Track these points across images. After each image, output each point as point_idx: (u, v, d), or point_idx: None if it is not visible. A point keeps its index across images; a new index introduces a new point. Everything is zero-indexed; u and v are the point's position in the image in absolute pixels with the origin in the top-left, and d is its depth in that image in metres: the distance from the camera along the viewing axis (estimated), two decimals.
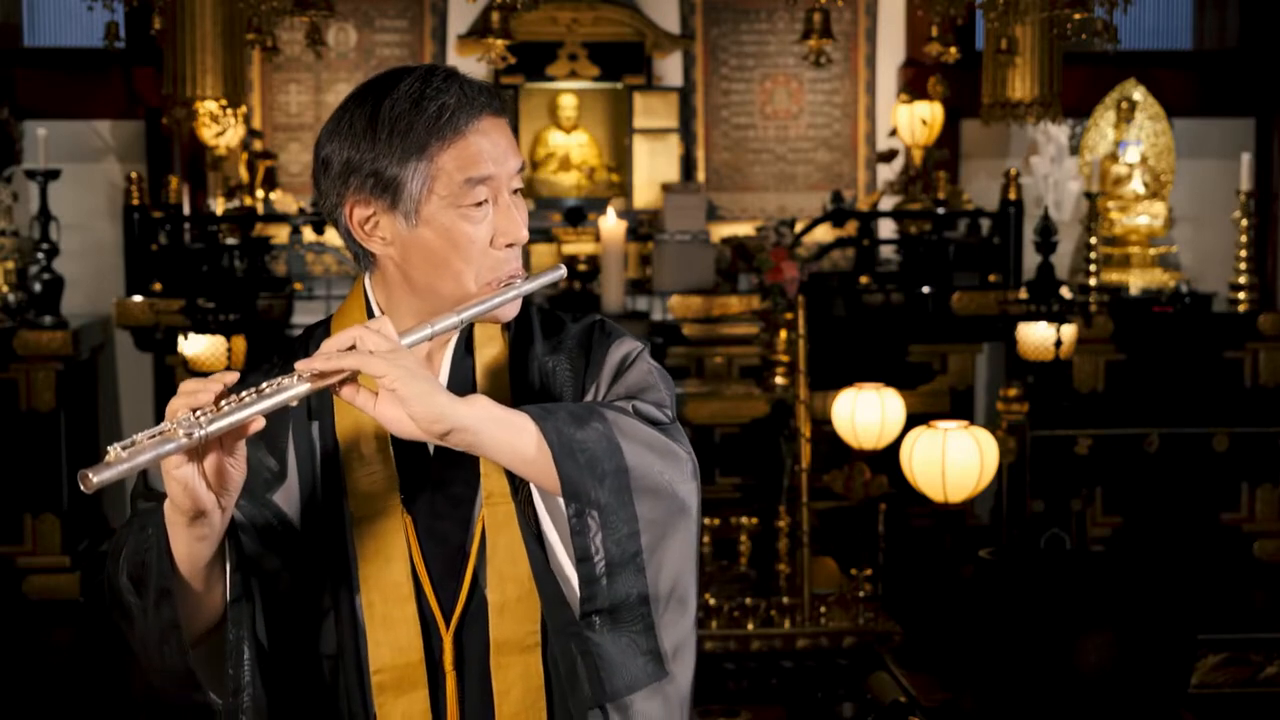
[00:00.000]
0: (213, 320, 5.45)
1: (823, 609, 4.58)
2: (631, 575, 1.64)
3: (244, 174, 6.87)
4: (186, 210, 6.85)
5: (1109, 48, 4.44)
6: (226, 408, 1.54)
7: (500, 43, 4.12)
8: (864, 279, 6.68)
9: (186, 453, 1.54)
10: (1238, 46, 7.49)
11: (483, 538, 1.74)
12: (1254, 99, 7.38)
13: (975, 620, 4.10)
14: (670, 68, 7.34)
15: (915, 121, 6.92)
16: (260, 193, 6.83)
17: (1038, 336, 5.93)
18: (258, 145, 6.99)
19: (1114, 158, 7.23)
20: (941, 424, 4.83)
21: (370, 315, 1.77)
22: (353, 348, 1.57)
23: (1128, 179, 7.20)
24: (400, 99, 1.68)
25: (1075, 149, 7.26)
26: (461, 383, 1.77)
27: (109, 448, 1.48)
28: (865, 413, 5.00)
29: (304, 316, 6.54)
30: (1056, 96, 4.74)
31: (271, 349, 1.87)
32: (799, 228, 6.53)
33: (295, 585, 1.74)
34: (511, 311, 1.75)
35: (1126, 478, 6.39)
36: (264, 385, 1.56)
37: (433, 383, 1.58)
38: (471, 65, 6.84)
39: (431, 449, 1.74)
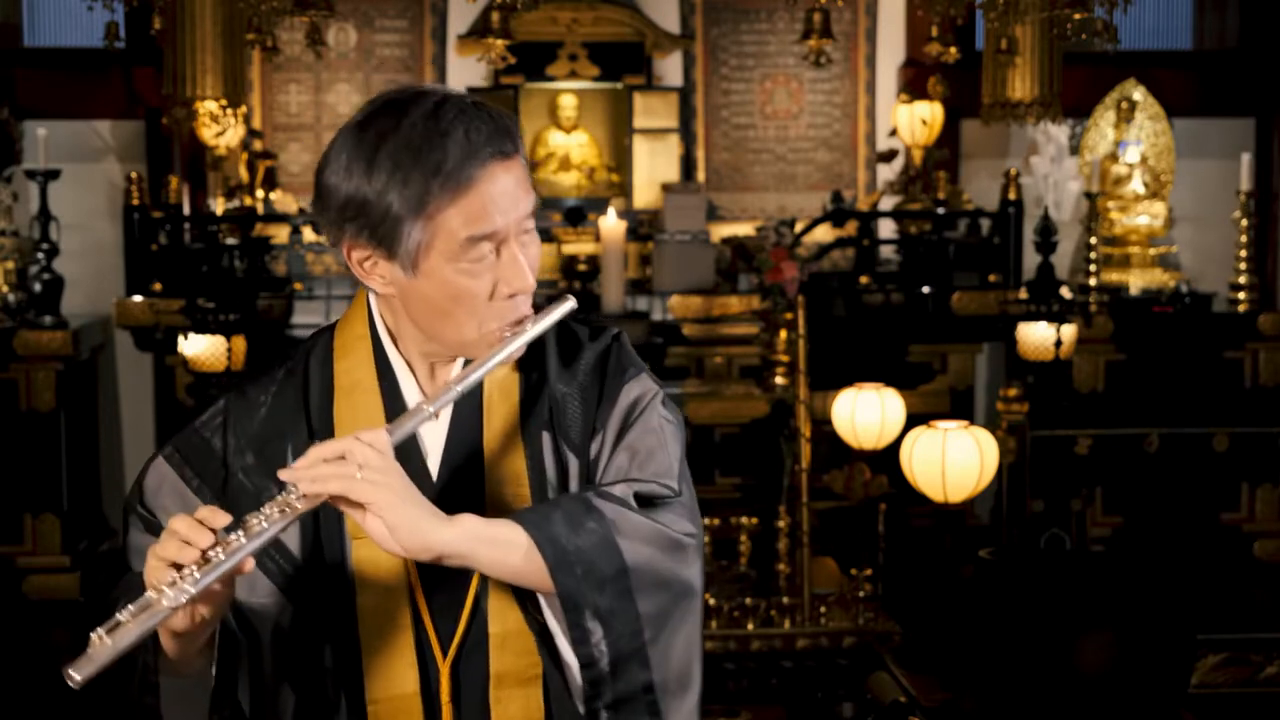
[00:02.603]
0: (213, 320, 5.45)
1: (823, 609, 4.58)
2: (635, 669, 1.61)
3: (244, 174, 6.87)
4: (186, 210, 6.85)
5: (1109, 48, 4.44)
6: (215, 557, 1.48)
7: (500, 43, 4.12)
8: (864, 279, 6.68)
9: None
10: (1238, 46, 7.49)
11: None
12: (1254, 99, 7.38)
13: (975, 620, 4.10)
14: (670, 68, 7.34)
15: (915, 121, 6.92)
16: (260, 193, 6.83)
17: (1038, 336, 5.93)
18: (258, 145, 6.99)
19: (1114, 158, 7.22)
20: (941, 424, 4.83)
21: (374, 332, 1.71)
22: (343, 457, 1.52)
23: (1128, 179, 7.19)
24: (400, 145, 1.57)
25: (1075, 149, 7.26)
26: (467, 409, 1.70)
27: (92, 634, 1.46)
28: (865, 413, 5.00)
29: (304, 316, 6.54)
30: (1056, 96, 4.74)
31: (274, 357, 1.80)
32: (799, 228, 6.53)
33: (295, 613, 1.69)
34: (518, 354, 1.68)
35: (1126, 478, 6.39)
36: (251, 521, 1.50)
37: (420, 507, 1.54)
38: (471, 65, 6.86)
39: (435, 475, 1.69)
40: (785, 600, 4.59)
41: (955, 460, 4.69)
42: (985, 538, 5.71)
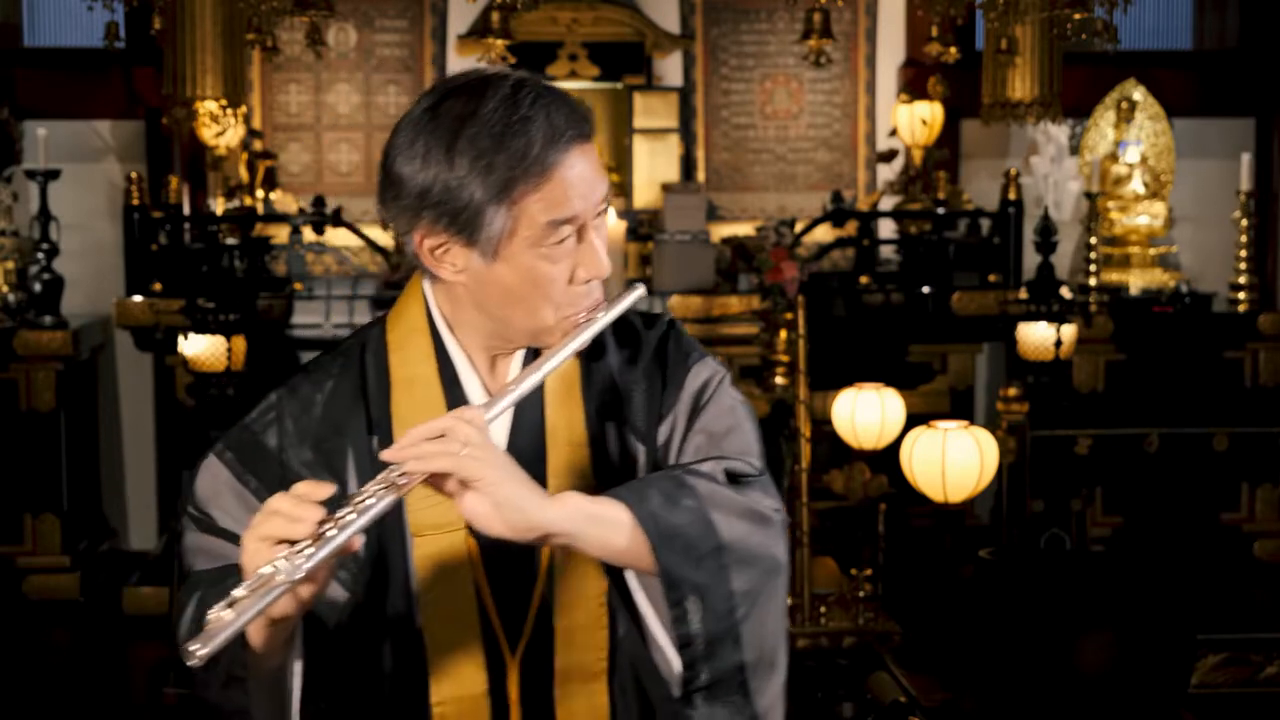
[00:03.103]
0: (213, 320, 5.45)
1: (823, 609, 4.58)
2: (730, 648, 1.59)
3: (244, 174, 6.87)
4: (186, 210, 6.85)
5: (1109, 48, 4.44)
6: (325, 534, 1.44)
7: (500, 43, 4.12)
8: (864, 279, 6.68)
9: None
10: (1238, 46, 7.49)
11: (550, 560, 1.66)
12: (1254, 99, 7.38)
13: (975, 620, 4.10)
14: (670, 68, 7.34)
15: (915, 121, 6.92)
16: (260, 193, 6.82)
17: (1038, 336, 5.93)
18: (258, 145, 6.98)
19: (1114, 158, 7.23)
20: (941, 424, 4.83)
21: (432, 324, 1.69)
22: (444, 436, 1.49)
23: (1128, 179, 7.19)
24: (481, 131, 1.55)
25: (1075, 149, 7.26)
26: (530, 401, 1.67)
27: (209, 613, 1.41)
28: (865, 413, 5.00)
29: (304, 316, 6.53)
30: (1056, 96, 4.74)
31: (324, 353, 1.75)
32: (799, 228, 6.53)
33: (354, 611, 1.65)
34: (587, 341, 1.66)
35: (1126, 478, 6.39)
36: (358, 497, 1.47)
37: (526, 485, 1.51)
38: (471, 65, 6.85)
39: None
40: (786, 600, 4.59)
41: (955, 460, 4.69)
42: (985, 538, 5.71)
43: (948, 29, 4.90)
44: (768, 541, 1.62)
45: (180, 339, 5.57)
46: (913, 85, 7.02)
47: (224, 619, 1.40)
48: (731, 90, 7.43)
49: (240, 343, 5.48)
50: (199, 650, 1.38)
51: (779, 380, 5.53)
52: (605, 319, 1.64)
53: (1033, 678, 3.85)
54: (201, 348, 5.47)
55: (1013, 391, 5.84)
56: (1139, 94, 7.23)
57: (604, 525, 1.54)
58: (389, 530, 1.65)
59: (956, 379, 6.74)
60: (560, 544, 1.54)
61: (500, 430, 1.67)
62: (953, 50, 4.83)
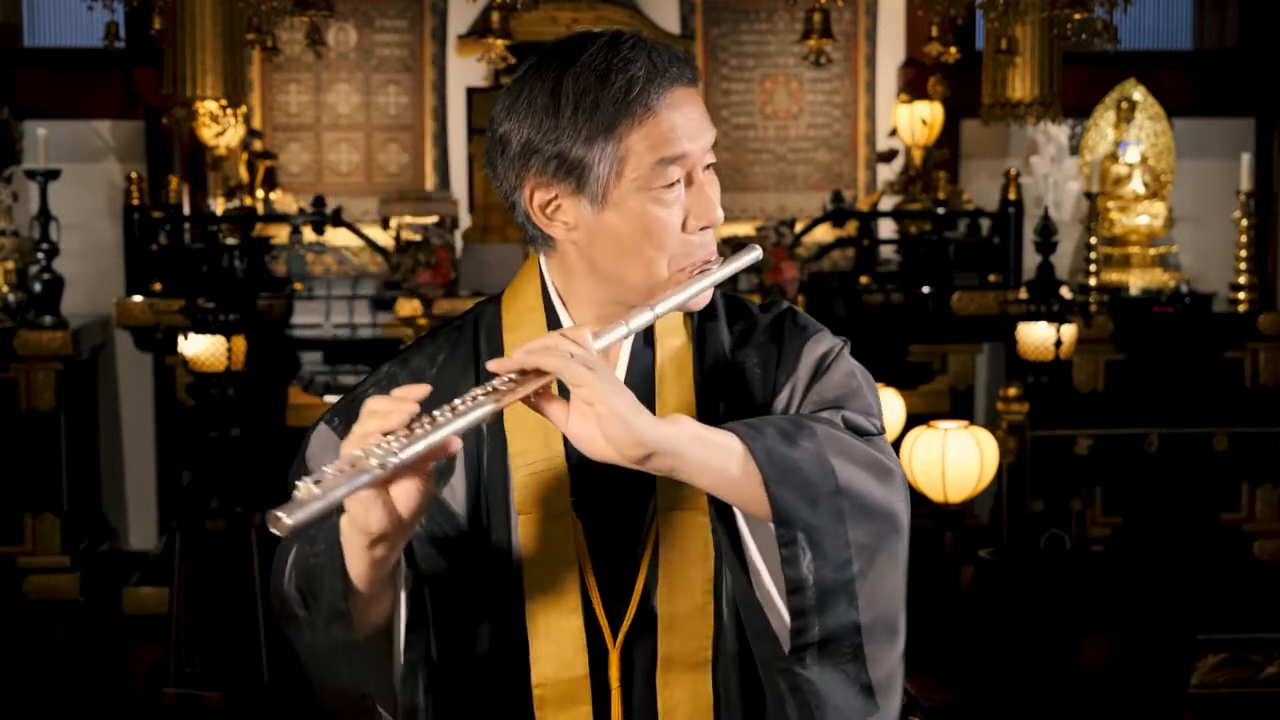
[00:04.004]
0: (213, 320, 5.45)
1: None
2: (844, 604, 1.51)
3: (244, 174, 6.87)
4: (186, 210, 6.85)
5: (1109, 48, 4.44)
6: (420, 430, 1.40)
7: (500, 43, 4.12)
8: (864, 279, 6.68)
9: (387, 478, 1.40)
10: (1238, 46, 7.49)
11: (655, 545, 1.61)
12: (1254, 99, 7.38)
13: (975, 620, 4.10)
14: None
15: (915, 121, 6.92)
16: (260, 193, 6.83)
17: (1038, 336, 5.93)
18: (258, 145, 6.99)
19: (1114, 158, 7.23)
20: (941, 424, 4.83)
21: (547, 298, 1.66)
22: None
23: (1128, 179, 7.20)
24: (584, 72, 1.54)
25: (1075, 149, 7.26)
26: (641, 376, 1.63)
27: (298, 483, 1.34)
28: None
29: (304, 316, 6.54)
30: (1056, 96, 4.74)
31: (437, 328, 1.73)
32: (799, 228, 6.53)
33: (458, 587, 1.62)
34: (704, 300, 1.61)
35: (1126, 478, 6.39)
36: (456, 402, 1.42)
37: (633, 401, 1.44)
38: (471, 65, 6.87)
39: None
40: None
41: (955, 460, 4.69)
42: (985, 538, 5.71)
43: (948, 29, 4.90)
44: (889, 496, 1.55)
45: (180, 339, 5.57)
46: (913, 85, 7.02)
47: (312, 491, 1.34)
48: (731, 90, 7.43)
49: (240, 343, 5.47)
50: (285, 518, 1.31)
51: None
52: (725, 270, 1.59)
53: (1033, 678, 3.85)
54: (201, 348, 5.47)
55: (1013, 391, 5.83)
56: (1139, 94, 7.23)
57: (714, 450, 1.48)
58: (494, 507, 1.63)
59: (956, 379, 6.74)
60: (661, 467, 1.47)
61: None
62: (953, 50, 4.83)
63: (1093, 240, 6.65)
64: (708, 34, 7.39)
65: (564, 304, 1.65)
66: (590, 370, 1.43)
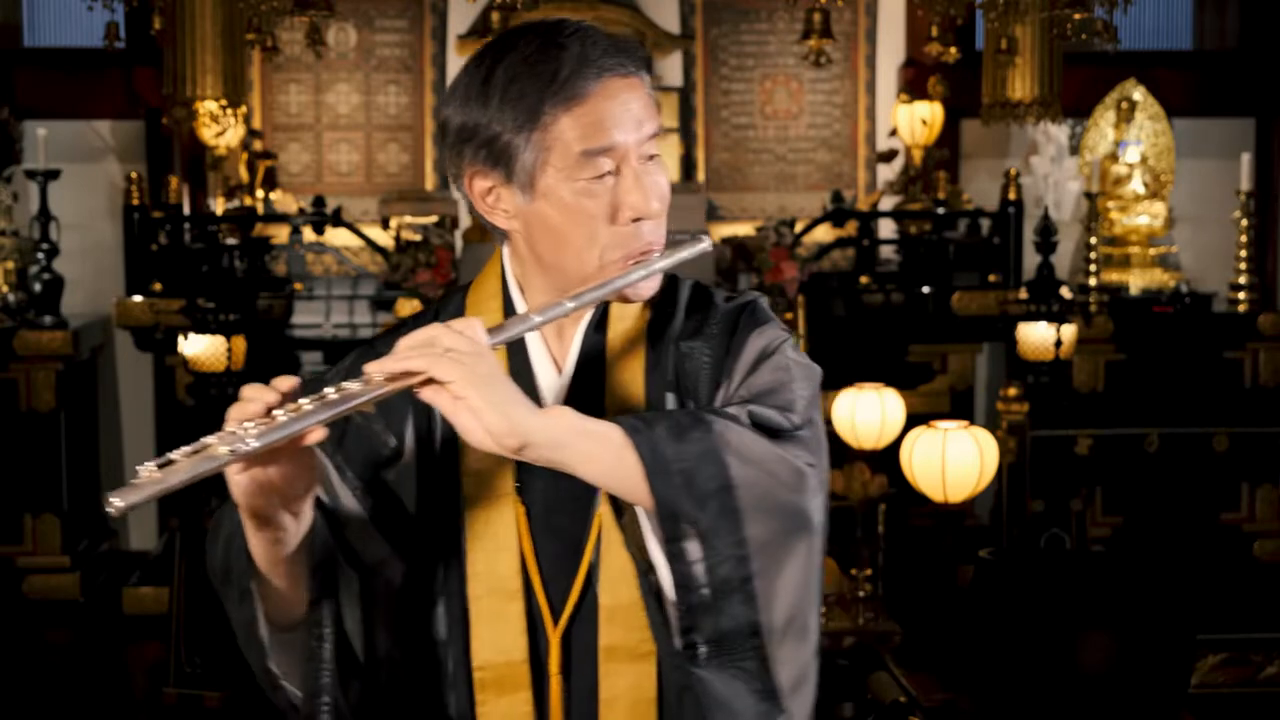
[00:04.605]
0: (213, 320, 5.45)
1: (823, 609, 4.57)
2: (739, 604, 1.48)
3: (244, 174, 6.87)
4: (186, 210, 6.85)
5: (1109, 48, 4.44)
6: (282, 417, 1.39)
7: None
8: (864, 279, 6.68)
9: (246, 462, 1.41)
10: (1238, 46, 7.50)
11: (599, 534, 1.60)
12: (1254, 99, 7.38)
13: (975, 620, 4.10)
14: (670, 68, 7.34)
15: (915, 121, 6.92)
16: (260, 193, 6.83)
17: (1038, 336, 5.93)
18: (258, 145, 6.99)
19: (1114, 158, 7.23)
20: (941, 424, 4.83)
21: (505, 288, 1.66)
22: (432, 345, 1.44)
23: (1128, 179, 7.20)
24: (515, 61, 1.54)
25: (1075, 149, 7.26)
26: (592, 362, 1.63)
27: (139, 467, 1.35)
28: (865, 413, 5.00)
29: (304, 316, 6.54)
30: (1056, 96, 4.74)
31: (409, 316, 1.75)
32: (799, 228, 6.53)
33: (409, 570, 1.63)
34: (647, 290, 1.60)
35: (1126, 478, 6.39)
36: (328, 391, 1.42)
37: (510, 392, 1.44)
38: None
39: None
40: None
41: (955, 460, 4.69)
42: (985, 538, 5.71)
43: (948, 29, 4.90)
44: (791, 494, 1.51)
45: (180, 339, 5.57)
46: (913, 85, 7.02)
47: (153, 476, 1.35)
48: (731, 90, 7.43)
49: (240, 343, 5.48)
50: (116, 501, 1.32)
51: None
52: (657, 264, 1.58)
53: (1033, 678, 3.85)
54: (201, 348, 5.47)
55: (1013, 391, 5.84)
56: (1139, 94, 7.23)
57: (596, 443, 1.46)
58: (442, 493, 1.63)
59: (956, 379, 6.74)
60: (543, 457, 1.46)
61: (557, 395, 1.65)
62: (953, 50, 4.83)
63: (1093, 240, 6.65)
64: (708, 34, 7.38)
65: (522, 292, 1.66)
66: (461, 365, 1.42)
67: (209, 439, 1.38)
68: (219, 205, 6.76)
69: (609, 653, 1.60)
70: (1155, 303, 6.84)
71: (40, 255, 6.07)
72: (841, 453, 5.36)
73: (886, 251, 7.08)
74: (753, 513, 1.49)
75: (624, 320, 1.65)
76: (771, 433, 1.55)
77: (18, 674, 5.25)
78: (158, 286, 6.37)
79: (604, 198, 1.56)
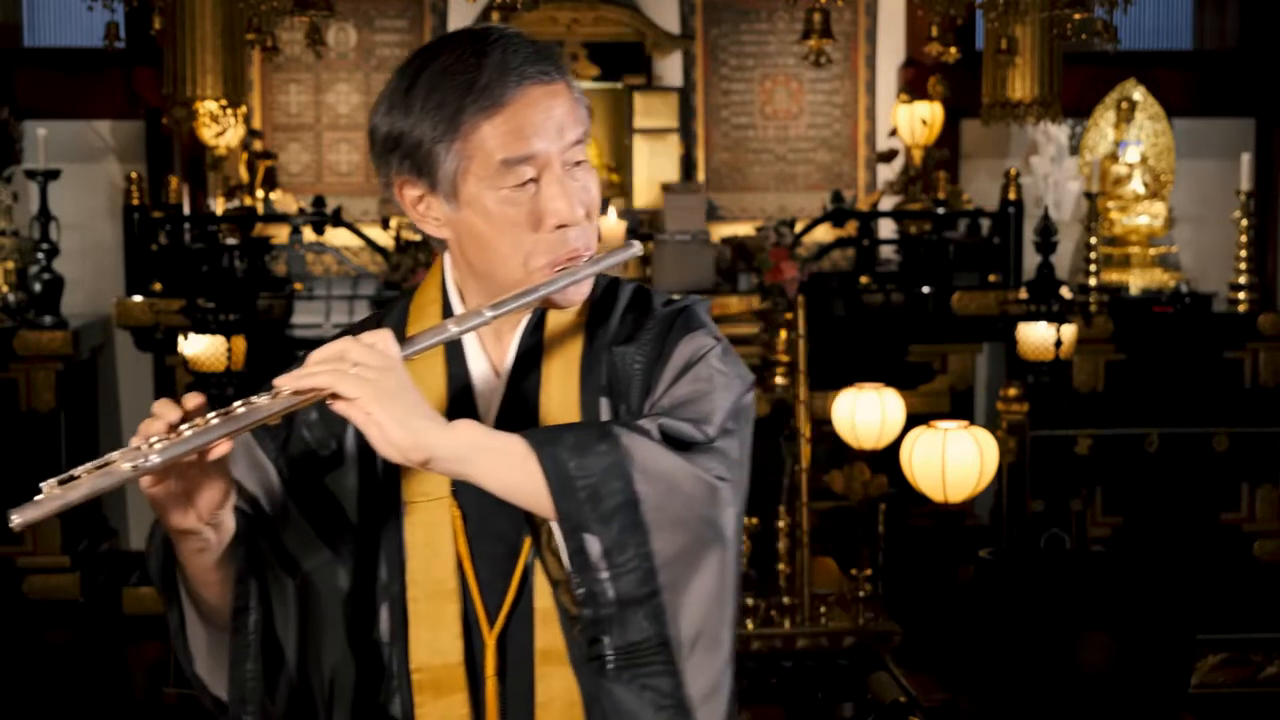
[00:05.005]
0: (213, 320, 5.45)
1: (823, 609, 4.58)
2: (646, 618, 1.49)
3: (244, 174, 6.87)
4: (186, 210, 6.85)
5: (1109, 48, 4.44)
6: (187, 433, 1.43)
7: None
8: (864, 279, 6.68)
9: (157, 475, 1.45)
10: (1238, 47, 7.49)
11: (535, 539, 1.60)
12: (1254, 99, 7.38)
13: (975, 620, 4.11)
14: (670, 68, 7.34)
15: (915, 121, 6.92)
16: (260, 193, 6.83)
17: (1038, 336, 5.93)
18: (258, 145, 6.99)
19: (1114, 158, 7.23)
20: (941, 424, 4.83)
21: (446, 293, 1.68)
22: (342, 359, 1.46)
23: (1128, 179, 7.19)
24: (436, 69, 1.55)
25: (1075, 149, 7.26)
26: (529, 365, 1.64)
27: (43, 484, 1.39)
28: (865, 413, 5.00)
29: (304, 316, 6.54)
30: (1056, 96, 4.74)
31: (358, 321, 1.77)
32: (799, 228, 6.53)
33: (352, 573, 1.65)
34: (575, 296, 1.62)
35: (1126, 478, 6.38)
36: (235, 405, 1.45)
37: (414, 407, 1.45)
38: None
39: None
40: (785, 600, 4.59)
41: (955, 460, 4.69)
42: (985, 538, 5.71)
43: (948, 29, 4.90)
44: (704, 509, 1.52)
45: (180, 339, 5.57)
46: (913, 85, 7.02)
47: (54, 493, 1.39)
48: (731, 90, 7.43)
49: (240, 343, 5.48)
50: (15, 518, 1.37)
51: (779, 380, 5.54)
52: (581, 272, 1.58)
53: (1033, 678, 3.85)
54: (201, 348, 5.47)
55: (1013, 391, 5.83)
56: (1139, 94, 7.23)
57: (499, 457, 1.48)
58: (381, 497, 1.65)
59: (956, 379, 6.74)
60: (449, 471, 1.49)
61: (493, 398, 1.66)
62: (953, 50, 4.83)
63: (1093, 240, 6.65)
64: (708, 34, 7.38)
65: (461, 298, 1.68)
66: (366, 381, 1.44)
67: (113, 455, 1.42)
68: (219, 205, 6.76)
69: (544, 655, 1.62)
70: (1155, 303, 6.84)
71: (40, 255, 6.07)
72: (841, 453, 5.37)
73: (886, 251, 7.08)
74: (659, 527, 1.49)
75: (561, 323, 1.66)
76: (684, 445, 1.54)
77: (18, 674, 5.25)
78: (158, 286, 6.36)
79: (527, 205, 1.56)
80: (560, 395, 1.64)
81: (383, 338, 1.48)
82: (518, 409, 1.64)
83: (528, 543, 1.62)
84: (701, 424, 1.56)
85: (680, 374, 1.62)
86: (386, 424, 1.44)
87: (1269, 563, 6.39)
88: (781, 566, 4.78)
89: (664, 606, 1.50)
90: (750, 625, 4.50)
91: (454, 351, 1.66)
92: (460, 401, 1.64)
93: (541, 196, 1.56)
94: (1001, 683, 3.96)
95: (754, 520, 4.90)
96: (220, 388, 5.33)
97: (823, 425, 5.29)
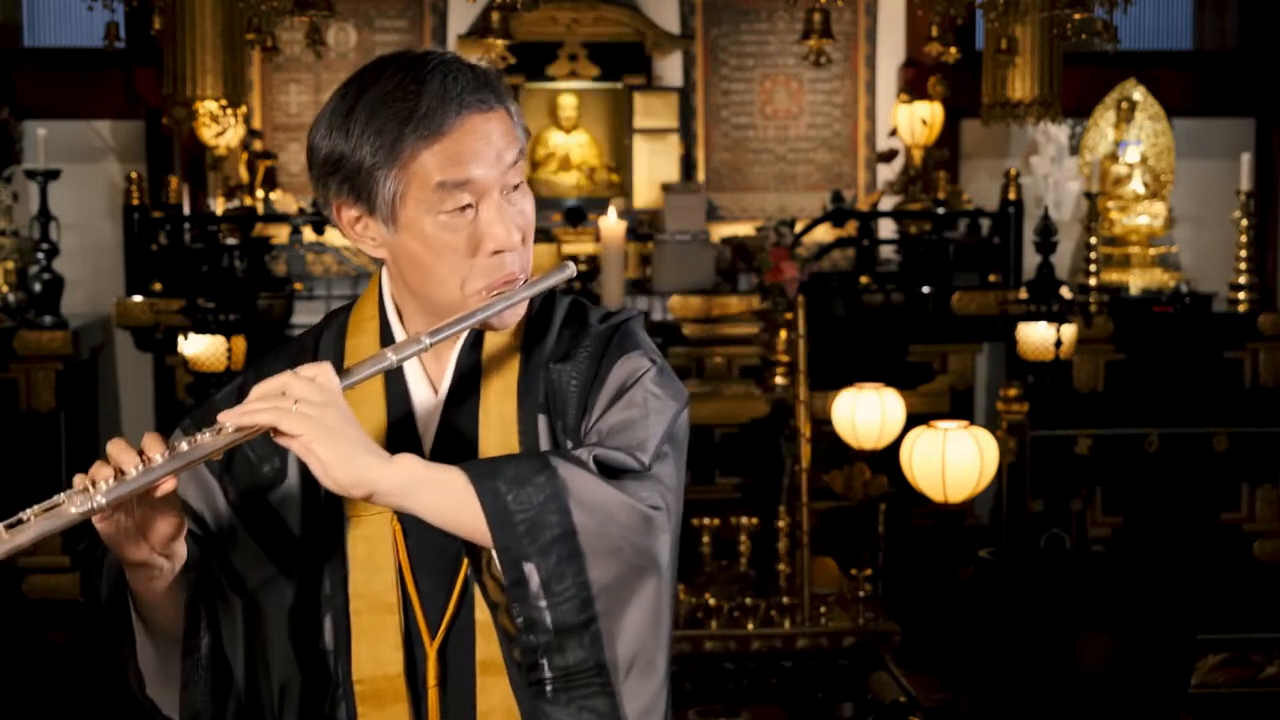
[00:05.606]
0: (213, 320, 5.45)
1: (823, 609, 4.58)
2: (583, 645, 1.53)
3: (244, 174, 6.87)
4: (186, 210, 6.85)
5: (1109, 48, 4.44)
6: (132, 472, 1.47)
7: (500, 43, 4.12)
8: (864, 279, 6.68)
9: (106, 513, 1.49)
10: (1238, 47, 7.49)
11: (475, 563, 1.61)
12: (1254, 99, 7.38)
13: (975, 620, 4.10)
14: (670, 68, 7.34)
15: (915, 121, 6.92)
16: (260, 193, 6.83)
17: (1038, 336, 5.93)
18: (258, 145, 6.99)
19: (1114, 158, 7.23)
20: (941, 424, 4.83)
21: (383, 310, 1.70)
22: (284, 394, 1.49)
23: (1128, 179, 7.20)
24: (376, 95, 1.57)
25: (1075, 149, 7.26)
26: (467, 384, 1.67)
27: None
28: (865, 413, 5.00)
29: (304, 317, 6.54)
30: (1056, 96, 4.74)
31: (299, 334, 1.80)
32: (799, 228, 6.53)
33: (297, 588, 1.67)
34: (511, 318, 1.64)
35: (1126, 478, 6.38)
36: (181, 444, 1.49)
37: (355, 443, 1.48)
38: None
39: (428, 454, 1.65)
40: (785, 600, 4.59)
41: (955, 460, 4.69)
42: (985, 538, 5.71)
43: (948, 29, 4.89)
44: (640, 538, 1.54)
45: (180, 339, 5.57)
46: (913, 85, 7.02)
47: (1, 539, 1.44)
48: (731, 90, 7.43)
49: (240, 343, 5.48)
50: None
51: (779, 380, 5.53)
52: (516, 296, 1.61)
53: (1033, 678, 3.85)
54: (201, 348, 5.47)
55: (1013, 391, 5.83)
56: (1139, 94, 7.23)
57: (439, 490, 1.51)
58: (324, 513, 1.67)
59: (956, 379, 6.74)
60: (391, 504, 1.52)
61: (431, 417, 1.68)
62: (953, 50, 4.82)
63: (1093, 240, 6.65)
64: (708, 34, 7.39)
65: (399, 314, 1.70)
66: (307, 419, 1.47)
67: (60, 497, 1.46)
68: (219, 205, 6.76)
69: (485, 666, 1.64)
70: (1155, 303, 6.84)
71: (40, 255, 6.07)
72: (841, 453, 5.37)
73: (886, 251, 7.08)
74: (595, 557, 1.52)
75: (498, 344, 1.68)
76: (619, 473, 1.57)
77: (18, 674, 5.25)
78: (158, 286, 6.37)
79: (465, 231, 1.59)
80: (498, 413, 1.67)
81: (323, 371, 1.51)
82: (457, 427, 1.67)
83: (467, 558, 1.64)
84: (636, 451, 1.59)
85: (614, 398, 1.64)
86: (328, 461, 1.47)
87: (1269, 563, 6.39)
88: (781, 566, 4.78)
89: (601, 633, 1.53)
90: (750, 625, 4.51)
91: (395, 374, 1.68)
92: (401, 422, 1.67)
93: (480, 222, 1.59)
94: (1001, 683, 3.96)
95: (754, 520, 4.90)
96: (219, 388, 5.33)
97: (823, 425, 5.29)
